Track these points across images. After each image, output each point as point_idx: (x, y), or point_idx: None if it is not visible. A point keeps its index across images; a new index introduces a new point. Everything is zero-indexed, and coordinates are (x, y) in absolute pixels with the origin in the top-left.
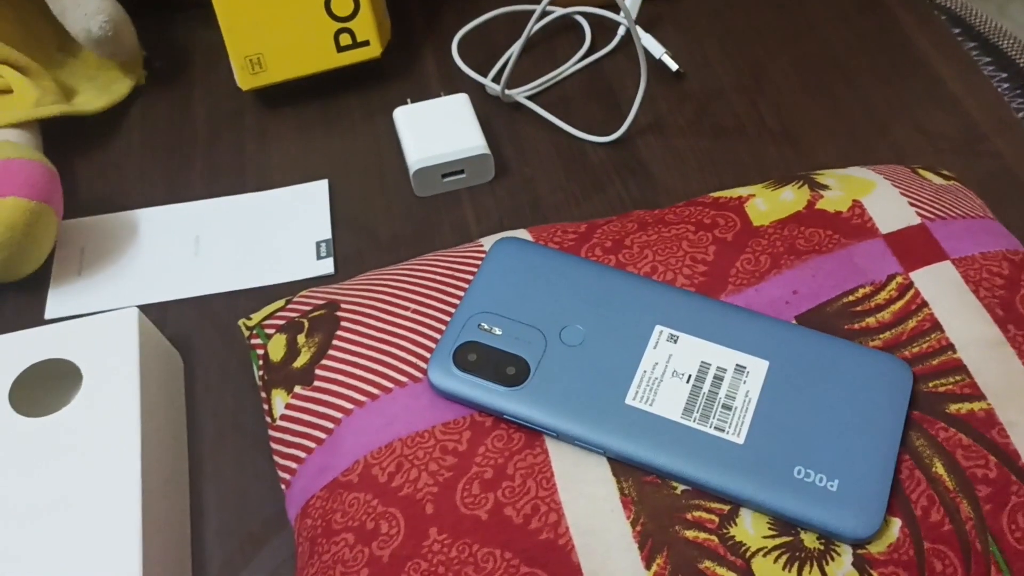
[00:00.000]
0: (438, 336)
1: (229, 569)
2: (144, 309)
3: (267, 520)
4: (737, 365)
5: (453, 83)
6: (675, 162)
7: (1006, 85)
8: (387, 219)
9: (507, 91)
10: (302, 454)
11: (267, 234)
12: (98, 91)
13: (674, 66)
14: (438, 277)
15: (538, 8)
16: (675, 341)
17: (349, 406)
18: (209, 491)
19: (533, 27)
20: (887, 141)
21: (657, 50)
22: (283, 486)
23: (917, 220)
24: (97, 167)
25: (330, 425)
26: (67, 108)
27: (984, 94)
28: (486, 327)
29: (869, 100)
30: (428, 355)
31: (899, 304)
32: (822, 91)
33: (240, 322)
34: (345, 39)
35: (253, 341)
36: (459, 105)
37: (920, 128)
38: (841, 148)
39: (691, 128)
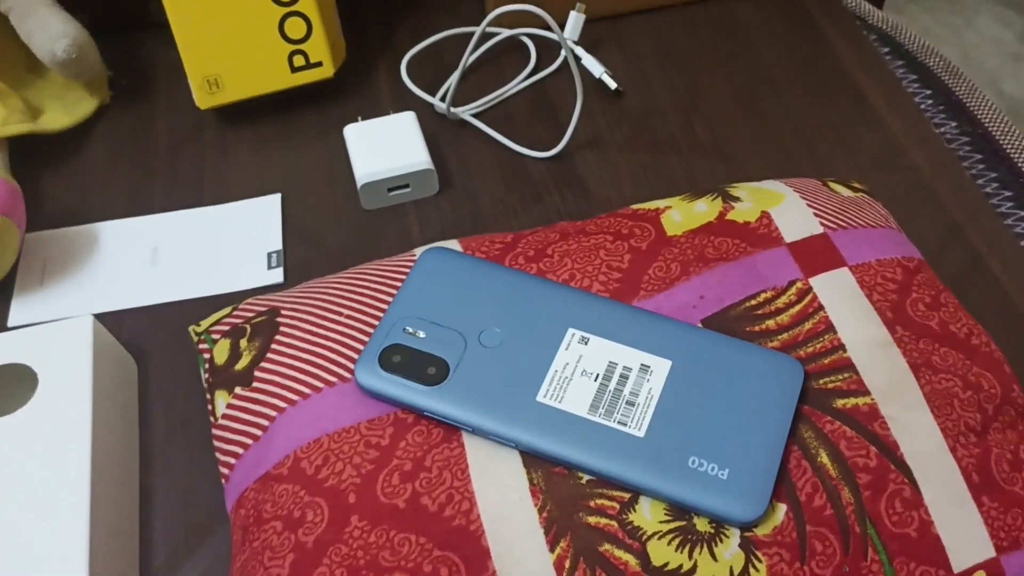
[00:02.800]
0: (367, 339)
1: (175, 559)
2: (102, 317)
3: (211, 512)
4: (642, 364)
5: (404, 101)
6: (610, 176)
7: (929, 101)
8: (336, 231)
9: (453, 109)
10: (240, 450)
11: (221, 245)
12: (64, 110)
13: (613, 85)
14: (372, 284)
15: (477, 30)
16: (586, 343)
17: (283, 404)
18: (158, 486)
19: (474, 50)
20: (812, 156)
21: (597, 69)
22: (223, 481)
23: (820, 229)
24: (62, 181)
25: (265, 423)
26: (33, 127)
27: (906, 110)
28: (410, 330)
29: (798, 117)
30: (357, 357)
31: (797, 308)
32: (754, 108)
33: (190, 328)
34: (299, 60)
35: (201, 346)
36: (406, 122)
37: (844, 143)
38: (769, 163)
39: (627, 144)
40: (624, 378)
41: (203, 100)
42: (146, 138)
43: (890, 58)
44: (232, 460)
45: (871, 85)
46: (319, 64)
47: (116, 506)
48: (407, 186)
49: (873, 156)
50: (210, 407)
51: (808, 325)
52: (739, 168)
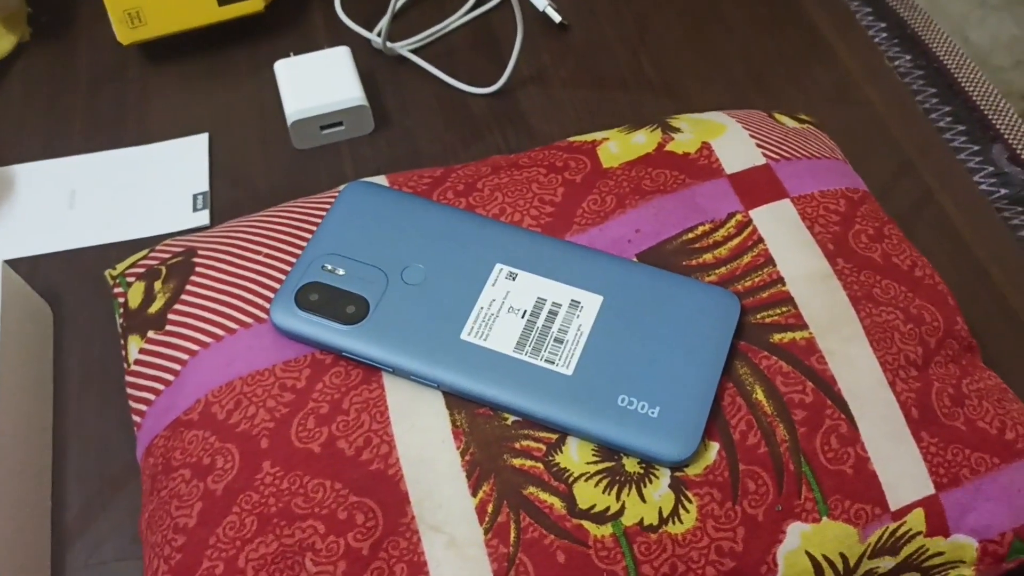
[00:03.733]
0: (285, 278)
1: (88, 511)
2: (15, 263)
3: (126, 464)
4: (572, 300)
5: (340, 36)
6: (554, 113)
7: (884, 35)
8: (266, 172)
9: (390, 44)
10: (151, 396)
11: (144, 188)
12: None
13: (557, 18)
14: (292, 222)
15: None
16: (513, 279)
17: (195, 348)
18: (72, 437)
19: None
20: (763, 90)
21: (541, 2)
22: (136, 428)
23: (762, 160)
24: None
25: (177, 367)
26: None
27: (859, 43)
28: (329, 268)
29: (748, 51)
30: (274, 296)
31: (736, 240)
32: (703, 42)
33: (106, 272)
34: None
35: (116, 290)
36: (339, 58)
37: (795, 78)
38: (718, 98)
39: (572, 79)
40: (553, 314)
41: (124, 35)
42: (65, 77)
43: None
44: (144, 407)
45: (823, 17)
46: None
47: (26, 458)
48: (340, 124)
49: (825, 90)
50: (124, 352)
51: (747, 258)
52: (688, 104)
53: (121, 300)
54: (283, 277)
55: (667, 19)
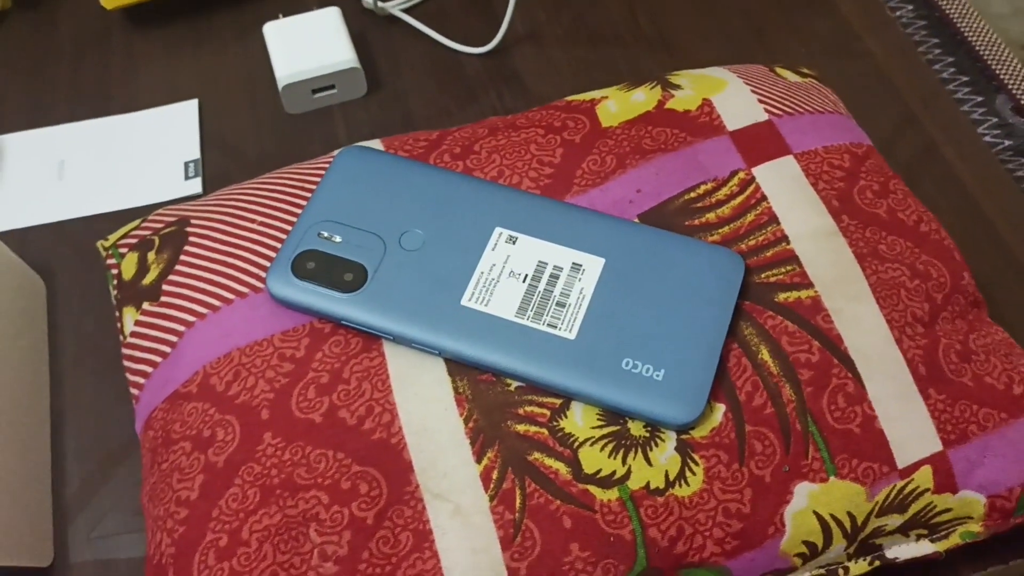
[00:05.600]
0: (281, 247)
1: (88, 487)
2: (6, 235)
3: (125, 438)
4: (573, 263)
5: None
6: (550, 71)
7: None
8: (257, 138)
9: (381, 3)
10: (148, 369)
11: (134, 156)
12: None
13: None
14: (287, 189)
15: None
16: (514, 242)
17: (191, 319)
18: (68, 412)
19: None
20: (763, 44)
21: None
22: (134, 402)
23: (764, 116)
24: None
25: (173, 339)
26: None
27: None
28: (326, 235)
29: (747, 3)
30: (270, 265)
31: (739, 199)
32: None
33: (98, 243)
34: None
35: (109, 261)
36: (330, 19)
37: (795, 30)
38: (717, 53)
39: (567, 37)
40: (554, 278)
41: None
42: (49, 44)
43: None
44: (141, 380)
45: None
46: None
47: (23, 435)
48: (332, 87)
49: (826, 42)
50: (119, 325)
51: (750, 217)
52: (686, 59)
53: (115, 272)
54: (279, 246)
55: None
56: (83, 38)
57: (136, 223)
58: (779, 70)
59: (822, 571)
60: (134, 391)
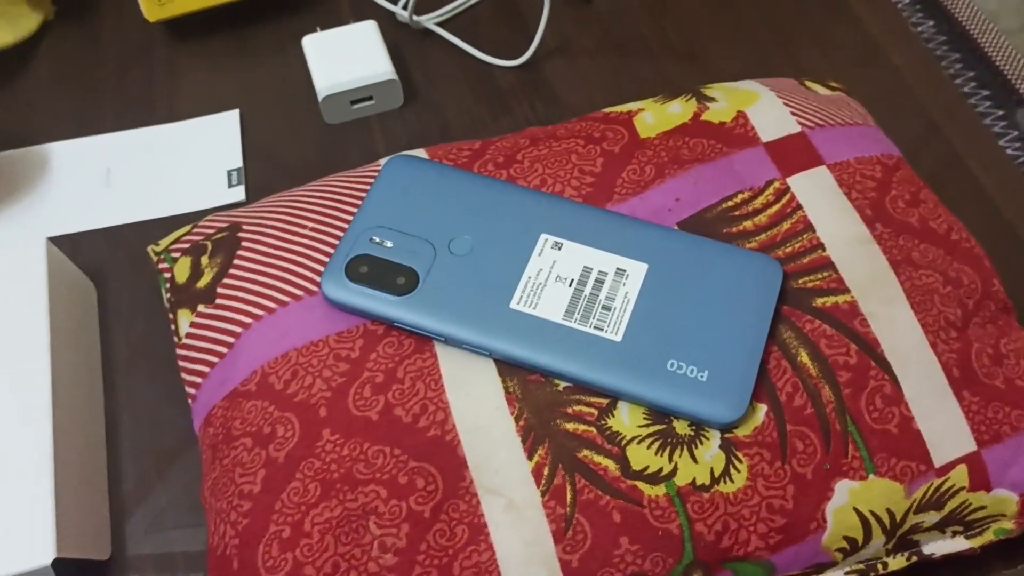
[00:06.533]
0: (334, 251)
1: (144, 484)
2: (56, 241)
3: (179, 436)
4: (617, 268)
5: (364, 10)
6: (580, 83)
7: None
8: (297, 147)
9: (415, 17)
10: (206, 368)
11: (178, 165)
12: (5, 27)
13: None
14: (336, 196)
15: None
16: (559, 248)
17: (248, 320)
18: (123, 413)
19: None
20: (788, 56)
21: None
22: (190, 401)
23: (797, 128)
24: (4, 104)
25: (230, 340)
26: None
27: (883, 9)
28: (377, 240)
29: (772, 16)
30: (324, 269)
31: (775, 208)
32: (726, 8)
33: (149, 248)
34: None
35: (161, 265)
36: (367, 32)
37: (820, 43)
38: (743, 64)
39: (597, 49)
40: (599, 282)
41: (152, 12)
42: (93, 56)
43: None
44: (198, 379)
45: None
46: None
47: (81, 435)
48: (370, 98)
49: (850, 55)
50: (173, 327)
51: (786, 225)
52: (712, 70)
53: (167, 275)
54: (330, 250)
55: None
56: (127, 49)
57: (187, 229)
58: (809, 83)
59: (861, 566)
60: (190, 390)
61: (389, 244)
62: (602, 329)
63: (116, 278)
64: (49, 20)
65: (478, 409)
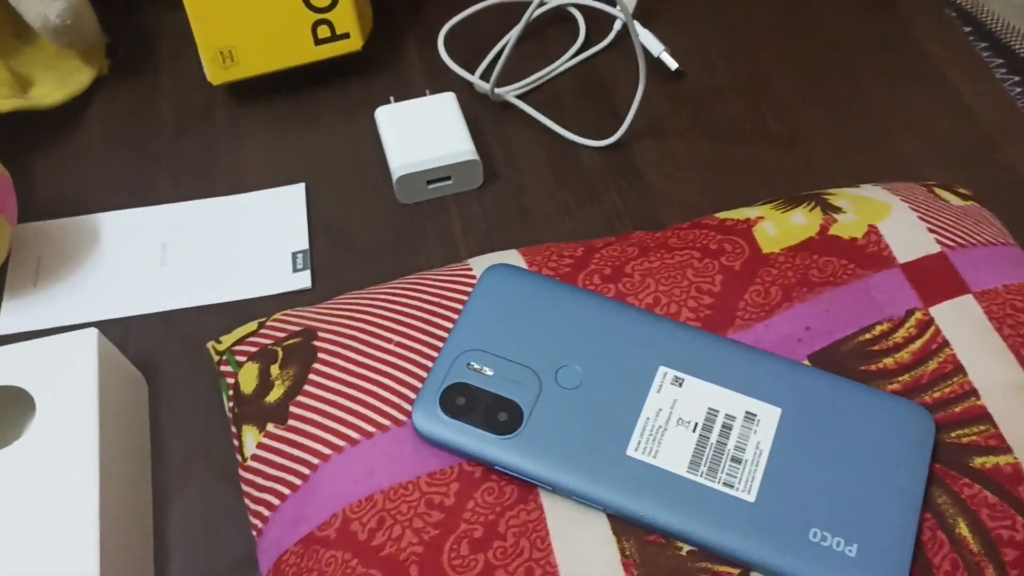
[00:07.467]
0: (423, 374)
1: None
2: (106, 325)
3: (237, 562)
4: (747, 412)
5: (439, 79)
6: (672, 169)
7: (1019, 90)
8: (368, 227)
9: (496, 89)
10: (275, 500)
11: (240, 242)
12: (57, 82)
13: (673, 64)
14: (423, 305)
15: None
16: (680, 384)
17: (326, 451)
18: (175, 528)
19: (530, 18)
20: (891, 148)
21: (656, 47)
22: (254, 533)
23: (936, 248)
24: (55, 165)
25: (305, 471)
26: (22, 102)
27: (995, 99)
28: (476, 367)
29: (873, 103)
30: (412, 395)
31: (919, 343)
32: (824, 92)
33: (209, 345)
34: (323, 31)
35: (223, 368)
36: (446, 105)
37: (926, 135)
38: (843, 154)
39: (689, 132)
40: (727, 428)
41: (216, 75)
42: (149, 116)
43: (972, 39)
44: (265, 511)
45: (955, 69)
46: (346, 36)
47: (128, 553)
48: (448, 178)
49: (960, 150)
50: (236, 443)
51: (933, 365)
52: (811, 160)
53: (230, 381)
54: (420, 372)
55: (784, 66)
56: (184, 111)
57: (253, 327)
58: (938, 191)
59: None
60: (256, 521)
61: (489, 372)
62: (732, 486)
63: (170, 371)
64: (102, 75)
65: (591, 574)
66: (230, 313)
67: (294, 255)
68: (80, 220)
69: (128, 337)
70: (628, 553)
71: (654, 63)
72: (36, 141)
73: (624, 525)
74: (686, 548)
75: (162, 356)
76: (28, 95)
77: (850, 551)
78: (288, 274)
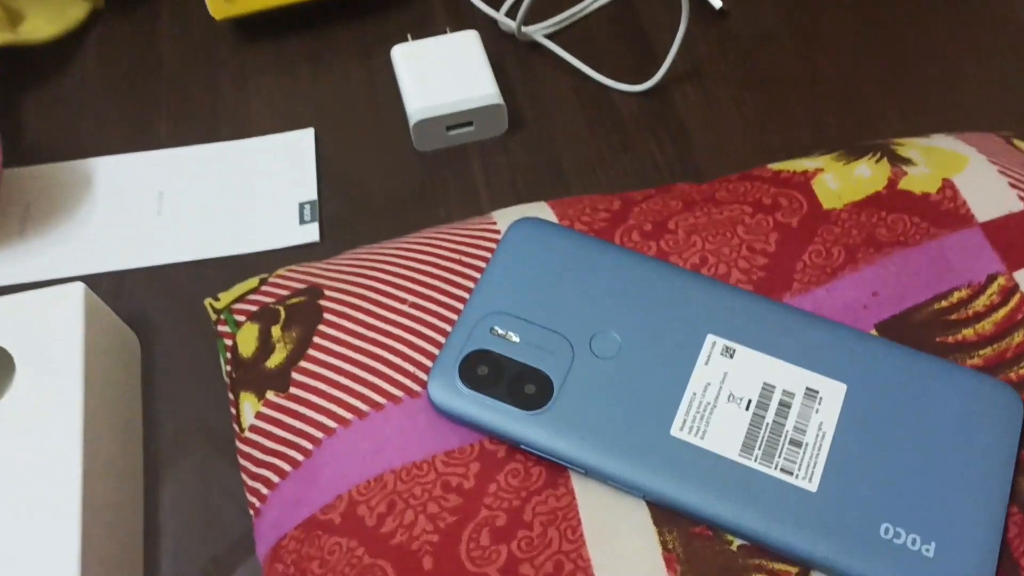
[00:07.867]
0: (440, 339)
1: None
2: (97, 279)
3: (235, 543)
4: (807, 389)
5: (460, 16)
6: (715, 117)
7: None
8: (382, 177)
9: (524, 28)
10: (274, 477)
11: (243, 192)
12: (49, 15)
13: (718, 3)
14: (442, 263)
15: None
16: (731, 355)
17: (331, 424)
18: (167, 505)
19: None
20: (959, 98)
21: None
22: (251, 512)
23: (1020, 206)
24: (46, 106)
25: (308, 445)
26: (11, 37)
27: None
28: (500, 332)
29: (940, 49)
30: (428, 363)
31: (1002, 312)
32: (887, 37)
33: (206, 302)
34: None
35: (221, 328)
36: (468, 44)
37: (1000, 83)
38: (905, 104)
39: (734, 76)
40: (785, 407)
41: (218, 9)
42: (148, 54)
43: None
44: (264, 489)
45: (1022, 13)
46: None
47: (115, 533)
48: (470, 124)
49: None
50: (234, 411)
51: (1019, 337)
52: (871, 108)
53: (228, 342)
54: (435, 336)
55: (840, 7)
56: (186, 48)
57: (254, 283)
58: (1017, 142)
59: None
60: (253, 499)
61: (515, 338)
62: (791, 472)
63: (165, 330)
64: (98, 8)
65: (628, 570)
66: (229, 268)
67: (301, 206)
68: (71, 165)
69: (120, 292)
70: (671, 546)
71: (697, 1)
72: (26, 79)
73: (666, 514)
74: (737, 542)
75: (157, 314)
76: (18, 29)
77: (927, 550)
78: (294, 226)
